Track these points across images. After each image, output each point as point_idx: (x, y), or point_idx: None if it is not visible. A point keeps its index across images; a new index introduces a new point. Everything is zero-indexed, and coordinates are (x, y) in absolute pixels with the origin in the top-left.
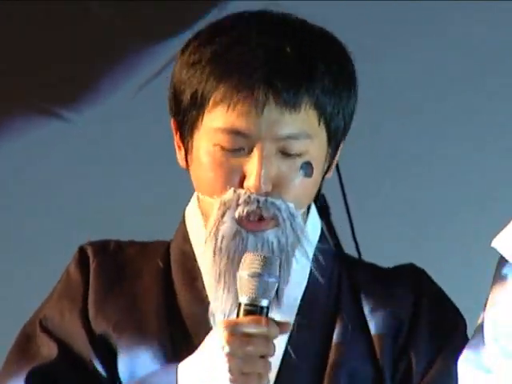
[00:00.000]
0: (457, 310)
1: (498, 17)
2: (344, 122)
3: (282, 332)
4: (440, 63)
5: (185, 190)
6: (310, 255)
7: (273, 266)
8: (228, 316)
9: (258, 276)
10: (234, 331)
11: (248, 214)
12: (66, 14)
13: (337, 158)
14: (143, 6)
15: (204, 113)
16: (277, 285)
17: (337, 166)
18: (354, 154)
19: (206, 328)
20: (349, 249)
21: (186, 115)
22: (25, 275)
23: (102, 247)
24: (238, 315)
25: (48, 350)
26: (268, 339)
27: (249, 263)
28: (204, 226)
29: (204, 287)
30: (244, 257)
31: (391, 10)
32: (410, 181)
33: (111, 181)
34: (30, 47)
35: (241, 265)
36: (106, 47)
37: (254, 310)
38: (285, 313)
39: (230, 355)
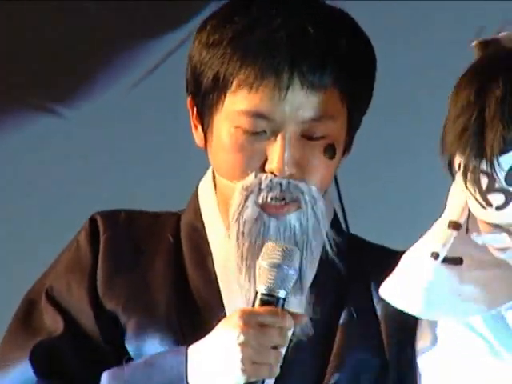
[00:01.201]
0: None
1: (498, 17)
2: (364, 102)
3: (297, 323)
4: (440, 62)
5: (183, 188)
6: (326, 239)
7: (294, 258)
8: (249, 304)
9: (277, 266)
10: (249, 321)
11: (271, 199)
12: (62, 10)
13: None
14: (139, 3)
15: (226, 95)
16: (295, 278)
17: None
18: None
19: (216, 311)
20: None
21: (206, 97)
22: (21, 275)
23: (112, 219)
24: (253, 304)
25: (54, 323)
26: (283, 330)
27: (269, 253)
28: (217, 204)
29: (214, 267)
30: (265, 246)
31: (391, 9)
32: (406, 175)
33: (107, 178)
34: (26, 44)
35: (261, 254)
36: (102, 43)
37: (270, 300)
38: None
39: (244, 345)
